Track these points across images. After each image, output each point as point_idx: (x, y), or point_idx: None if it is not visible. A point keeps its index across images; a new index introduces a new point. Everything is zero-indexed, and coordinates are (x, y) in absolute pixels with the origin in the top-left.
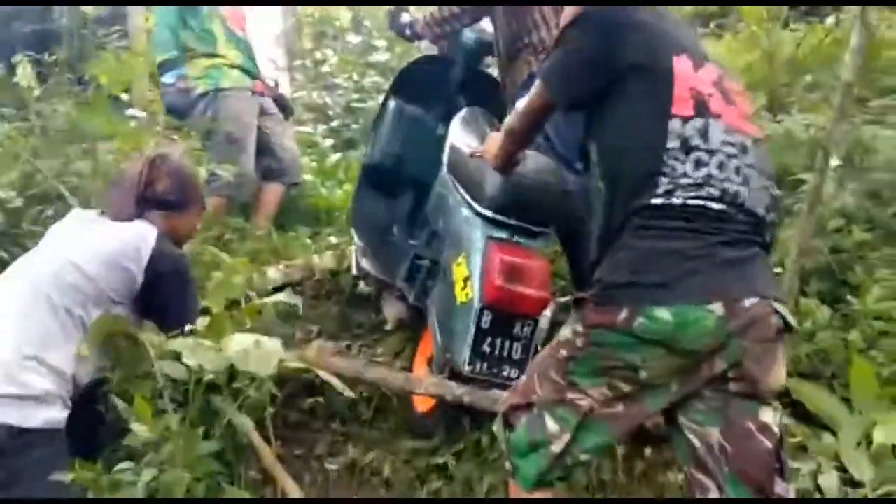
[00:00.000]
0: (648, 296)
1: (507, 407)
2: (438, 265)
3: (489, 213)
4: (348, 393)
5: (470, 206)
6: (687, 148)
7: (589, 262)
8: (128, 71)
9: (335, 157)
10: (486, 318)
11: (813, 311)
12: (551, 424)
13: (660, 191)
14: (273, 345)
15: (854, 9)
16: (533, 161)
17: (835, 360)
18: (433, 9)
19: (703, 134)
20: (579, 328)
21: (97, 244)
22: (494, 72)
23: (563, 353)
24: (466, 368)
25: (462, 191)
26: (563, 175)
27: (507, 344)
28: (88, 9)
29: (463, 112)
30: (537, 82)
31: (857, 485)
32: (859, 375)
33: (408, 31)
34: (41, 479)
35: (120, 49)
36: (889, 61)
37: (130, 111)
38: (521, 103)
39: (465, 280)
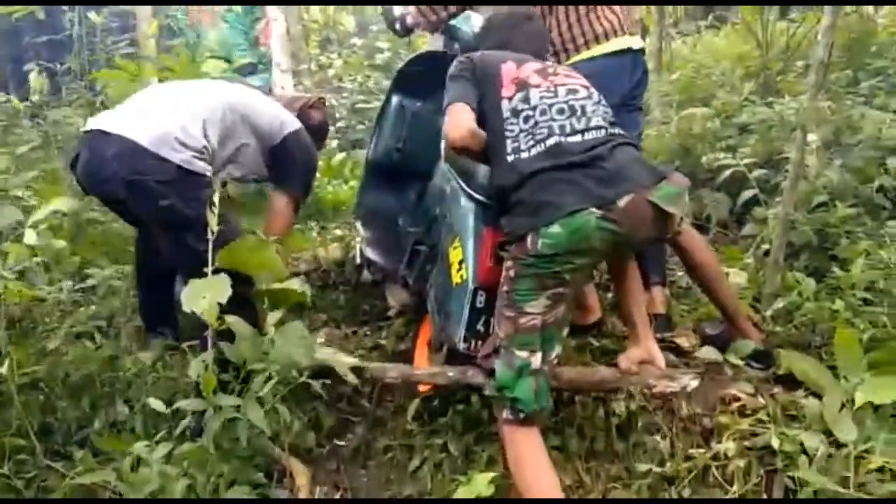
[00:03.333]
0: (539, 220)
1: (482, 359)
2: (437, 250)
3: (483, 199)
4: (352, 379)
5: (466, 194)
6: (515, 112)
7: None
8: (137, 82)
9: (341, 155)
10: (480, 299)
11: (798, 283)
12: (521, 352)
13: (509, 150)
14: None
15: None
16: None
17: (822, 329)
18: None
19: (525, 100)
20: (508, 264)
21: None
22: None
23: (505, 288)
24: (462, 346)
25: (458, 179)
26: None
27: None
28: (98, 18)
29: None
30: None
31: (841, 446)
32: (843, 343)
33: (398, 26)
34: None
35: (128, 56)
36: (881, 46)
37: None
38: None
39: (460, 263)
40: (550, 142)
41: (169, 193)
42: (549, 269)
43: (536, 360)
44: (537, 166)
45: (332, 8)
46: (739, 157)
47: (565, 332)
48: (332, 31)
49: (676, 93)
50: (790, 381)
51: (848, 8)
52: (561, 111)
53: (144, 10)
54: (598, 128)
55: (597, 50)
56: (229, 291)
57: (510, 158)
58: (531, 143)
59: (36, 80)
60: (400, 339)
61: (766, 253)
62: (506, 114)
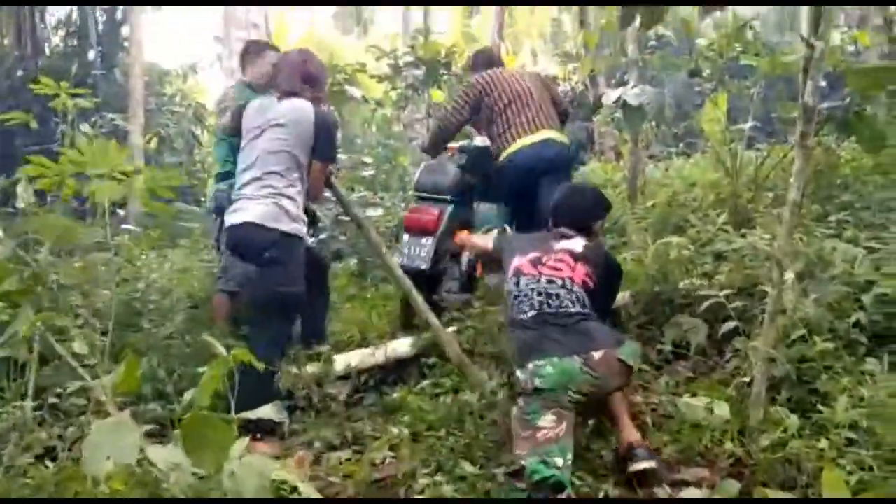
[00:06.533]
0: (527, 360)
1: (506, 477)
2: None
3: (416, 193)
4: None
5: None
6: (512, 295)
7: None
8: (125, 188)
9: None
10: (405, 235)
11: (783, 421)
12: (544, 458)
13: (512, 315)
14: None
15: (795, 134)
16: (437, 166)
17: (807, 468)
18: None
19: (517, 285)
20: (520, 398)
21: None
22: None
23: (519, 414)
24: (398, 260)
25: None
26: (453, 174)
27: (416, 248)
28: (90, 130)
29: (428, 162)
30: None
31: None
32: (831, 485)
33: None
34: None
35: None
36: (845, 179)
37: (125, 226)
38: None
39: None
40: (531, 314)
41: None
42: (553, 399)
43: (559, 462)
44: (525, 325)
45: None
46: (715, 284)
47: (572, 440)
48: None
49: (652, 218)
50: None
51: (811, 142)
52: (539, 293)
53: (136, 122)
54: (568, 310)
55: (531, 139)
56: (137, 445)
57: (513, 312)
58: (520, 314)
59: (23, 188)
60: (374, 467)
61: (747, 383)
62: (510, 297)
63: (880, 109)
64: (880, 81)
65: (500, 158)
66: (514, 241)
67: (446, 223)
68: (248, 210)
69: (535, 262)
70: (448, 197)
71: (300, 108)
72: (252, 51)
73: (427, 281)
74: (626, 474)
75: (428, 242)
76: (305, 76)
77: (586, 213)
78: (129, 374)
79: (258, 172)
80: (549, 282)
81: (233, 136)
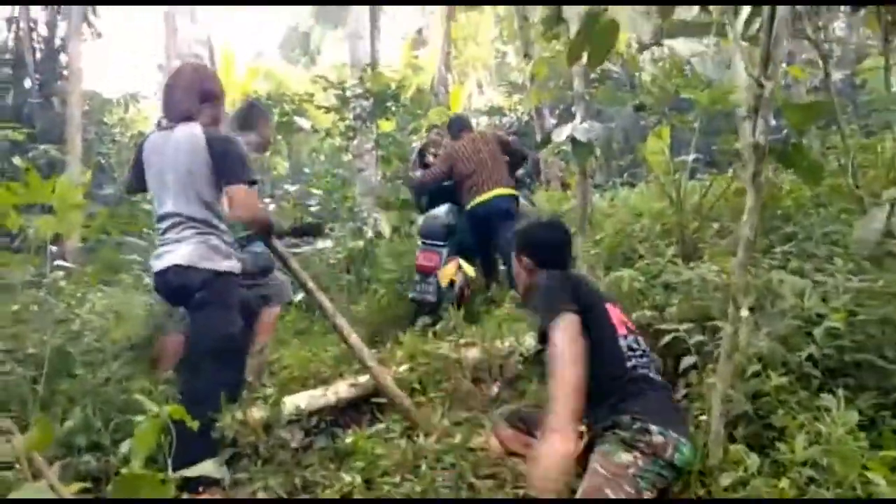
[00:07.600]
0: (676, 433)
1: None
2: None
3: (420, 239)
4: None
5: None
6: (632, 349)
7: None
8: (61, 224)
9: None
10: (417, 275)
11: (743, 459)
12: None
13: (629, 366)
14: None
15: (746, 173)
16: (434, 219)
17: None
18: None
19: (637, 342)
20: (638, 454)
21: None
22: None
23: (631, 471)
24: (412, 294)
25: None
26: (445, 225)
27: (425, 286)
28: (23, 163)
29: (427, 214)
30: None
31: None
32: None
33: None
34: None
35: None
36: (786, 210)
37: (59, 262)
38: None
39: None
40: (659, 379)
41: None
42: (666, 478)
43: None
44: (659, 385)
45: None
46: (667, 316)
47: None
48: (265, 174)
49: (600, 249)
50: None
51: (763, 179)
52: (653, 361)
53: (74, 152)
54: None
55: (487, 195)
56: None
57: (630, 364)
58: (649, 372)
59: None
60: None
61: (704, 420)
62: (623, 348)
63: (814, 142)
64: (812, 116)
65: (468, 207)
66: (582, 284)
67: (443, 263)
68: (174, 252)
69: (627, 320)
70: (443, 243)
71: (192, 139)
72: None
73: (432, 305)
74: None
75: (433, 280)
76: (203, 94)
77: (568, 249)
78: (43, 436)
79: (176, 219)
80: (645, 352)
81: (136, 192)
